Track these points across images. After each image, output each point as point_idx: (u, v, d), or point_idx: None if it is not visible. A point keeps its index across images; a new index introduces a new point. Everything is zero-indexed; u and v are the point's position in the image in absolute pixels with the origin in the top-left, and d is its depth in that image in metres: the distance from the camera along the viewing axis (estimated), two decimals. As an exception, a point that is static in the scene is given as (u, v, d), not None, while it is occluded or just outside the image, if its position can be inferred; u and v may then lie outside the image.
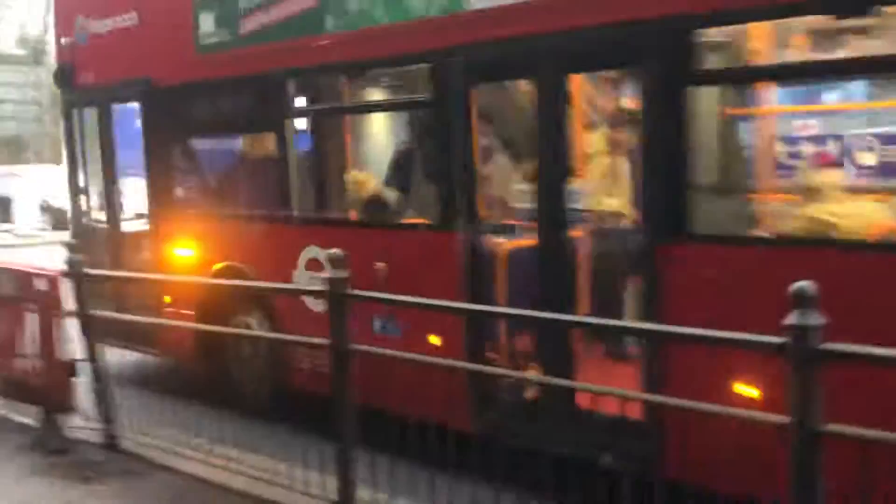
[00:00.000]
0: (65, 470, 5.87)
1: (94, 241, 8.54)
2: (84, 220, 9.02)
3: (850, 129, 5.86)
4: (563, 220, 5.44)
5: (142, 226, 8.36)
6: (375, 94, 7.34)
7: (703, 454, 3.55)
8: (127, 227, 8.53)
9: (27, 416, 6.73)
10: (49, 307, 6.19)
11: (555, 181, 5.44)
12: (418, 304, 4.77)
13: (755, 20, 4.86)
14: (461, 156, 5.82)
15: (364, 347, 4.72)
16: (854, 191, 5.27)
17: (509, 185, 6.17)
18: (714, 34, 4.87)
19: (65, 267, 6.25)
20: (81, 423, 6.41)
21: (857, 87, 5.48)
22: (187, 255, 7.68)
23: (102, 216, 8.73)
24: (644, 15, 4.82)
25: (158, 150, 8.05)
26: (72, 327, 6.25)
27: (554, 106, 5.46)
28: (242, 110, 7.33)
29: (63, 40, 8.95)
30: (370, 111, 7.55)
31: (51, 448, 6.19)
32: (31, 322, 6.31)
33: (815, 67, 4.89)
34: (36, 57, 35.07)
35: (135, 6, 8.11)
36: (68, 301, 6.24)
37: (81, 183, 9.04)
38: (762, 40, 5.18)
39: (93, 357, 6.23)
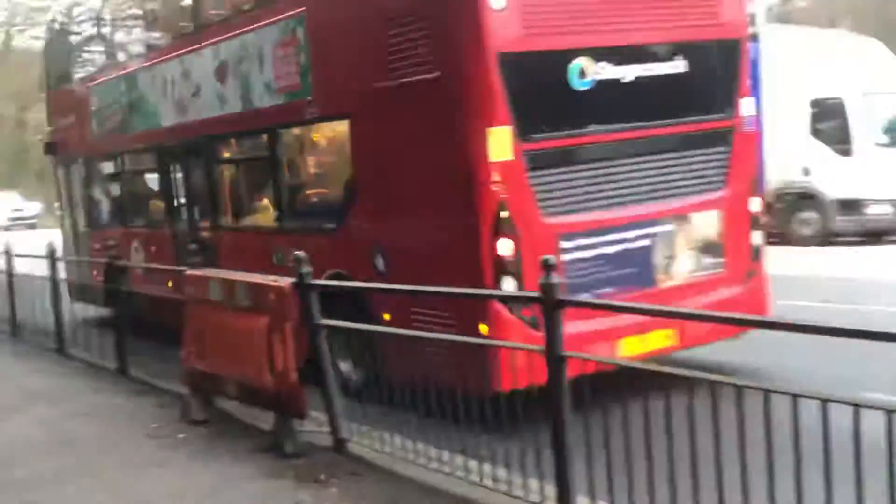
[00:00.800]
0: (297, 471, 6.08)
1: (71, 245, 14.65)
2: (70, 231, 14.84)
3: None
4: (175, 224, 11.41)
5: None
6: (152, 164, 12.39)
7: None
8: (81, 235, 14.48)
9: (262, 420, 7.06)
10: (280, 316, 6.45)
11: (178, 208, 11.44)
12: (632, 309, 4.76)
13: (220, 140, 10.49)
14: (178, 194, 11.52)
15: (576, 354, 4.72)
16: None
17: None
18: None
19: (294, 278, 6.52)
20: (313, 428, 6.67)
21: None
22: (98, 252, 12.74)
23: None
24: (196, 134, 10.43)
25: (87, 191, 14.09)
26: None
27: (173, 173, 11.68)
28: (109, 170, 13.43)
29: (49, 128, 15.71)
30: (158, 172, 12.12)
31: (287, 451, 6.45)
32: (265, 331, 6.58)
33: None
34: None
35: (74, 112, 14.09)
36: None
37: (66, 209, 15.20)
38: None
39: (322, 364, 6.42)
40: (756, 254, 7.73)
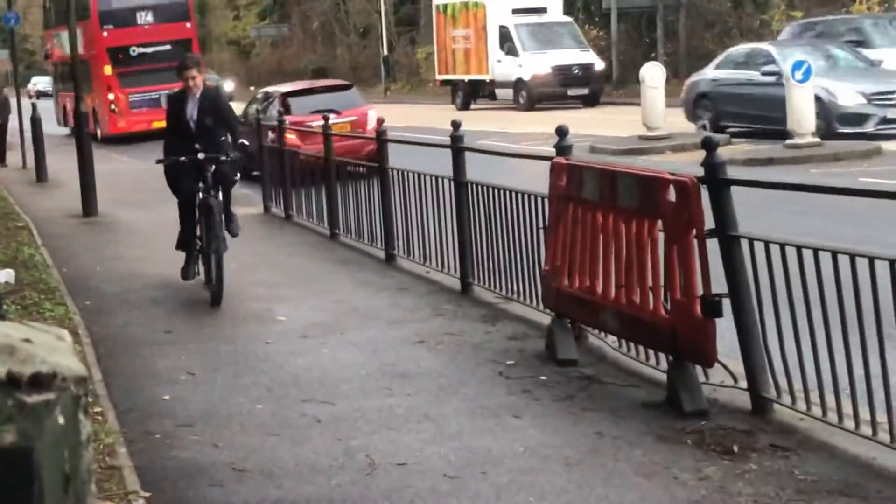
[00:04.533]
0: (699, 438, 5.06)
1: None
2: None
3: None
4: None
5: None
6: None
7: None
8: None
9: (651, 364, 5.96)
10: (681, 224, 5.25)
11: None
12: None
13: None
14: None
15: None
16: None
17: None
18: None
19: (701, 170, 5.32)
20: (722, 380, 5.57)
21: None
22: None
23: None
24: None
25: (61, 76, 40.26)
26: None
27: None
28: (63, 68, 38.00)
29: (47, 47, 41.09)
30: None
31: (685, 409, 5.35)
32: (658, 242, 5.46)
33: None
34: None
35: (50, 42, 39.88)
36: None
37: None
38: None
39: (736, 292, 5.20)
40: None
